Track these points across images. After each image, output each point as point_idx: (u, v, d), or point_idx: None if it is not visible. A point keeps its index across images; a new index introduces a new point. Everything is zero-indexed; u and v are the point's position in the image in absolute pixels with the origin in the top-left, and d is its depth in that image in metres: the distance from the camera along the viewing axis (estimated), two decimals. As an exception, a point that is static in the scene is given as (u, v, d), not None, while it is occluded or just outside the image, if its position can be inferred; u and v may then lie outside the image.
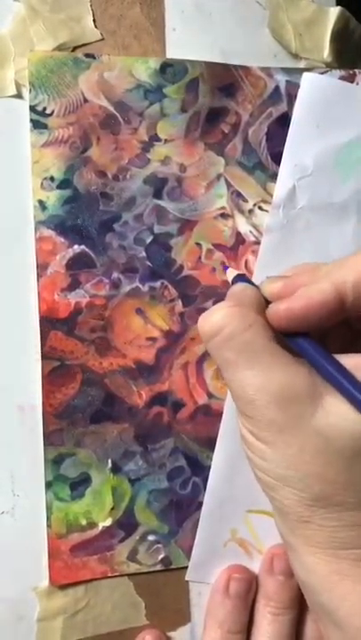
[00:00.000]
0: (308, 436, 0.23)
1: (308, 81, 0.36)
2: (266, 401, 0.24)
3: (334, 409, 0.23)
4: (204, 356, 0.36)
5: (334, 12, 0.37)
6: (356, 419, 0.23)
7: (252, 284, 0.28)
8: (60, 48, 0.34)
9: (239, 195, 0.36)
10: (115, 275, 0.34)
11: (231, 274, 0.29)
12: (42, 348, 0.33)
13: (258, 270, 0.35)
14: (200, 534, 0.34)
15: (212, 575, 0.34)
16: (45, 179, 0.34)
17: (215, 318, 0.25)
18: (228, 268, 0.30)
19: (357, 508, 0.23)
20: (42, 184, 0.34)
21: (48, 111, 0.34)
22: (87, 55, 0.34)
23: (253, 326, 0.25)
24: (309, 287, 0.25)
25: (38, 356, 0.34)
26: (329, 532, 0.24)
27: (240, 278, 0.28)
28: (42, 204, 0.34)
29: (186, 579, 0.35)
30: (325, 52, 0.37)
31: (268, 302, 0.26)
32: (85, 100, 0.34)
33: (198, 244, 0.36)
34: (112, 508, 0.34)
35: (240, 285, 0.27)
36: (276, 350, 0.25)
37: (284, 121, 0.37)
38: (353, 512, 0.23)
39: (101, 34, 0.35)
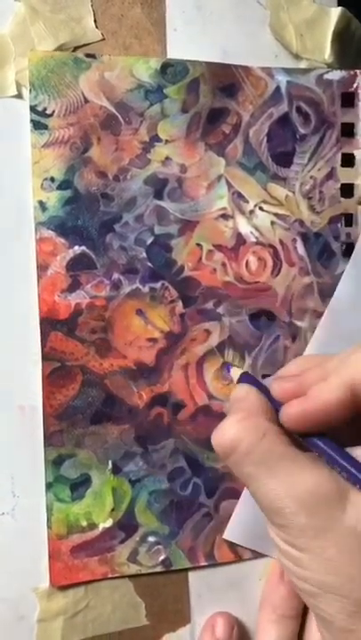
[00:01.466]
0: (343, 537, 0.23)
1: None
2: (294, 508, 0.23)
3: None
4: (205, 357, 0.36)
5: (336, 12, 0.37)
6: None
7: (259, 382, 0.27)
8: (60, 48, 0.34)
9: (240, 195, 0.36)
10: (115, 275, 0.34)
11: (236, 373, 0.29)
12: (42, 349, 0.33)
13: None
14: (246, 493, 0.34)
15: (250, 539, 0.34)
16: (46, 179, 0.34)
17: (228, 435, 0.25)
18: (230, 367, 0.30)
19: None
20: (42, 185, 0.34)
21: (48, 111, 0.33)
22: (88, 55, 0.34)
23: (267, 435, 0.25)
24: (321, 387, 0.25)
25: (38, 357, 0.33)
26: None
27: (246, 377, 0.28)
28: (42, 205, 0.34)
29: (223, 537, 0.34)
30: (327, 53, 0.37)
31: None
32: (86, 101, 0.34)
33: (199, 245, 0.36)
34: (112, 509, 0.34)
35: (243, 389, 0.27)
36: (295, 455, 0.25)
37: (284, 121, 0.37)
38: None
39: (102, 34, 0.35)
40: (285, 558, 0.25)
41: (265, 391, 0.27)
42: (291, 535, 0.24)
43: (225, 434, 0.25)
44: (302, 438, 0.26)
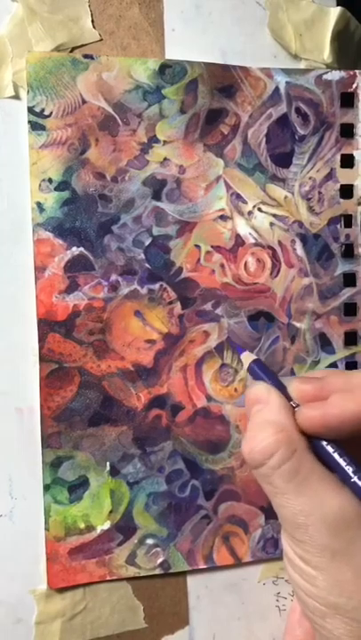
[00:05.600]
0: None
1: None
2: (318, 527, 0.23)
3: None
4: (203, 359, 0.35)
5: (335, 12, 0.37)
6: None
7: (271, 373, 0.28)
8: (58, 49, 0.34)
9: (239, 196, 0.36)
10: (113, 277, 0.34)
11: (247, 359, 0.29)
12: (40, 351, 0.33)
13: None
14: None
15: None
16: (43, 180, 0.33)
17: (261, 447, 0.25)
18: (243, 351, 0.29)
19: None
20: (40, 186, 0.33)
21: (46, 112, 0.33)
22: (85, 56, 0.34)
23: (298, 451, 0.25)
24: (345, 396, 0.25)
25: (36, 359, 0.33)
26: None
27: (258, 365, 0.28)
28: (40, 206, 0.33)
29: None
30: (326, 53, 0.37)
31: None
32: (84, 102, 0.34)
33: (197, 246, 0.35)
34: (110, 512, 0.34)
35: (263, 387, 0.27)
36: (323, 473, 0.25)
37: (283, 122, 0.36)
38: None
39: (100, 34, 0.34)
40: (296, 574, 0.25)
41: (277, 384, 0.27)
42: (308, 553, 0.24)
43: (257, 445, 0.25)
44: (313, 441, 0.26)
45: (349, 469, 0.25)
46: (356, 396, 0.25)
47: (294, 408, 0.26)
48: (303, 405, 0.26)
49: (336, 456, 0.25)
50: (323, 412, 0.25)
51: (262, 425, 0.26)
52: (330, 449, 0.26)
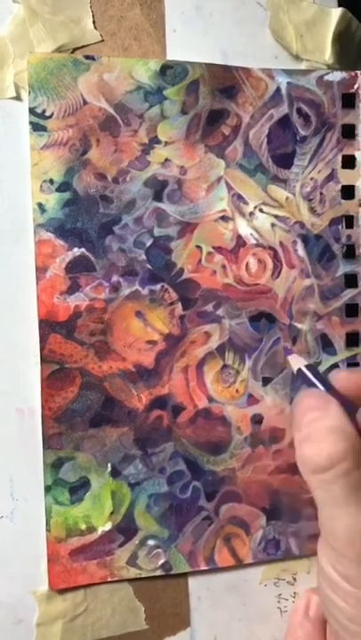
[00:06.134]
0: None
1: None
2: None
3: None
4: (205, 360, 0.35)
5: (336, 13, 0.37)
6: None
7: (326, 381, 0.26)
8: (59, 50, 0.34)
9: (240, 197, 0.36)
10: (114, 278, 0.34)
11: (296, 363, 0.28)
12: (41, 352, 0.33)
13: None
14: None
15: None
16: (45, 181, 0.33)
17: (330, 452, 0.24)
18: (290, 353, 0.28)
19: None
20: (41, 187, 0.33)
21: (47, 113, 0.33)
22: (87, 57, 0.34)
23: None
24: None
25: (37, 360, 0.33)
26: None
27: (311, 370, 0.27)
28: (41, 207, 0.33)
29: None
30: (327, 54, 0.37)
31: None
32: (85, 102, 0.34)
33: (199, 247, 0.35)
34: (111, 513, 0.34)
35: (321, 397, 0.26)
36: None
37: (285, 123, 0.36)
38: None
39: (101, 35, 0.34)
40: (336, 595, 0.24)
41: (333, 393, 0.26)
42: (351, 569, 0.23)
43: (324, 449, 0.24)
44: None
45: None
46: None
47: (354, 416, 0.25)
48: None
49: None
50: None
51: (327, 431, 0.25)
52: None
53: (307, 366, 0.27)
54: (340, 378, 0.26)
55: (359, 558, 0.23)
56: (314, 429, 0.25)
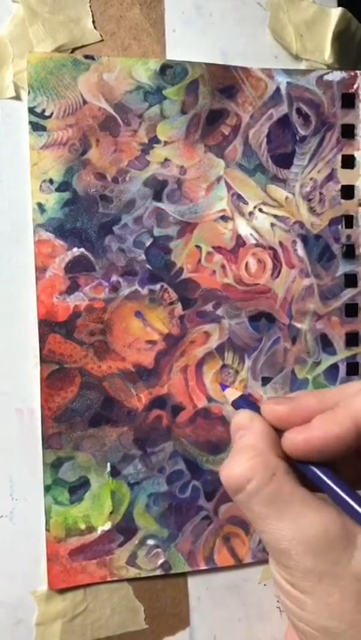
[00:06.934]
0: (349, 582, 0.22)
1: None
2: (301, 551, 0.23)
3: None
4: (204, 360, 0.35)
5: (336, 12, 0.37)
6: None
7: (254, 405, 0.27)
8: (59, 49, 0.34)
9: (239, 197, 0.36)
10: (114, 278, 0.34)
11: (231, 395, 0.28)
12: (40, 352, 0.33)
13: None
14: None
15: None
16: (44, 181, 0.33)
17: (237, 472, 0.24)
18: (226, 387, 0.29)
19: None
20: (41, 186, 0.33)
21: (47, 113, 0.33)
22: (86, 56, 0.34)
23: (277, 474, 0.24)
24: (326, 418, 0.24)
25: (37, 360, 0.33)
26: None
27: (243, 401, 0.27)
28: (41, 207, 0.33)
29: None
30: (327, 54, 0.37)
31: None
32: (85, 102, 0.34)
33: (198, 247, 0.35)
34: (111, 512, 0.34)
35: (246, 415, 0.26)
36: (304, 495, 0.24)
37: (284, 123, 0.36)
38: None
39: (101, 35, 0.34)
40: (287, 599, 0.24)
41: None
42: (295, 577, 0.23)
43: (233, 471, 0.25)
44: (300, 465, 0.25)
45: (338, 490, 0.24)
46: (338, 418, 0.24)
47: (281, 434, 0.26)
48: (287, 431, 0.25)
49: (325, 478, 0.25)
50: (305, 437, 0.24)
51: (240, 450, 0.25)
52: (317, 472, 0.25)
53: (240, 396, 0.28)
54: (264, 409, 0.26)
55: (295, 565, 0.23)
56: (232, 450, 0.26)
